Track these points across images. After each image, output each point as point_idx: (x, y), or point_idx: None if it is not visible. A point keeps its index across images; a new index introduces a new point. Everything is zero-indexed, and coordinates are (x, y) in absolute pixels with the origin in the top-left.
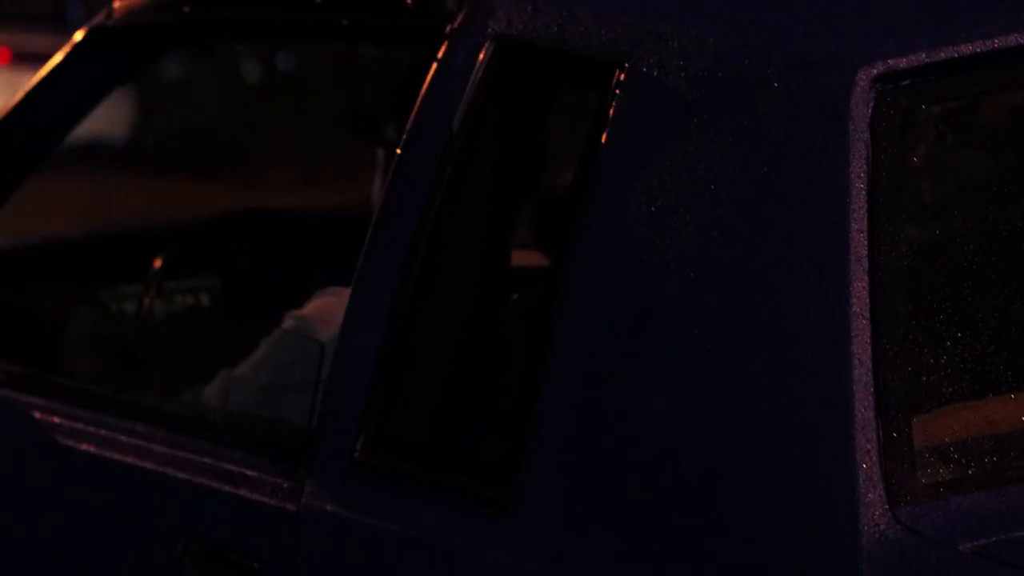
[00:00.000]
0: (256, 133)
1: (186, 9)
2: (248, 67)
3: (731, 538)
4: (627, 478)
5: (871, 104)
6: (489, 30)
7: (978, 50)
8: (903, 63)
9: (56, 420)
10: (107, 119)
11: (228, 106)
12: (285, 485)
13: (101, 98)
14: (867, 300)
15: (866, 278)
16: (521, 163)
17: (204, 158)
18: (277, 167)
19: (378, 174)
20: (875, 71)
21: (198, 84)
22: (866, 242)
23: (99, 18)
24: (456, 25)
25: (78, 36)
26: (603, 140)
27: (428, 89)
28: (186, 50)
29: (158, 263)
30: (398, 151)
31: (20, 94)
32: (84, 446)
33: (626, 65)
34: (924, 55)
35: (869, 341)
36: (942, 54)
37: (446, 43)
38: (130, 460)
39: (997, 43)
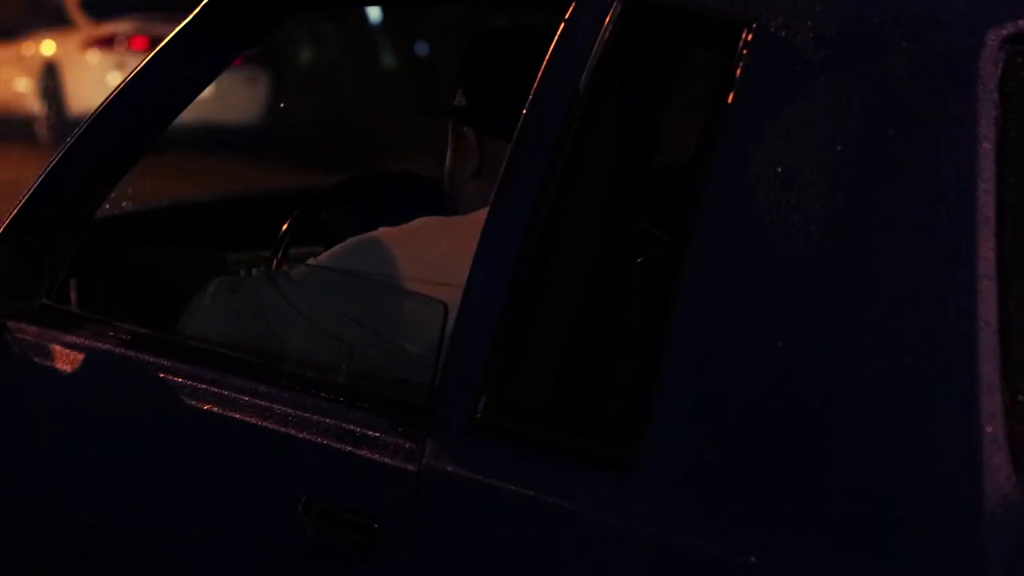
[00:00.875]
0: (392, 120)
1: None
2: (385, 53)
3: (850, 500)
4: (748, 442)
5: (1001, 64)
6: None
7: None
8: None
9: (179, 380)
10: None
11: (364, 93)
12: (407, 446)
13: (230, 60)
14: (994, 262)
15: (993, 239)
16: (647, 125)
17: (339, 145)
18: (414, 155)
19: (451, 142)
20: (1005, 31)
21: (335, 71)
22: (994, 203)
23: None
24: None
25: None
26: (729, 101)
27: (554, 51)
28: (315, 14)
29: (284, 228)
30: (523, 112)
31: (153, 52)
32: (206, 406)
33: (754, 25)
34: None
35: (995, 303)
36: None
37: (573, 4)
38: (252, 420)
39: None
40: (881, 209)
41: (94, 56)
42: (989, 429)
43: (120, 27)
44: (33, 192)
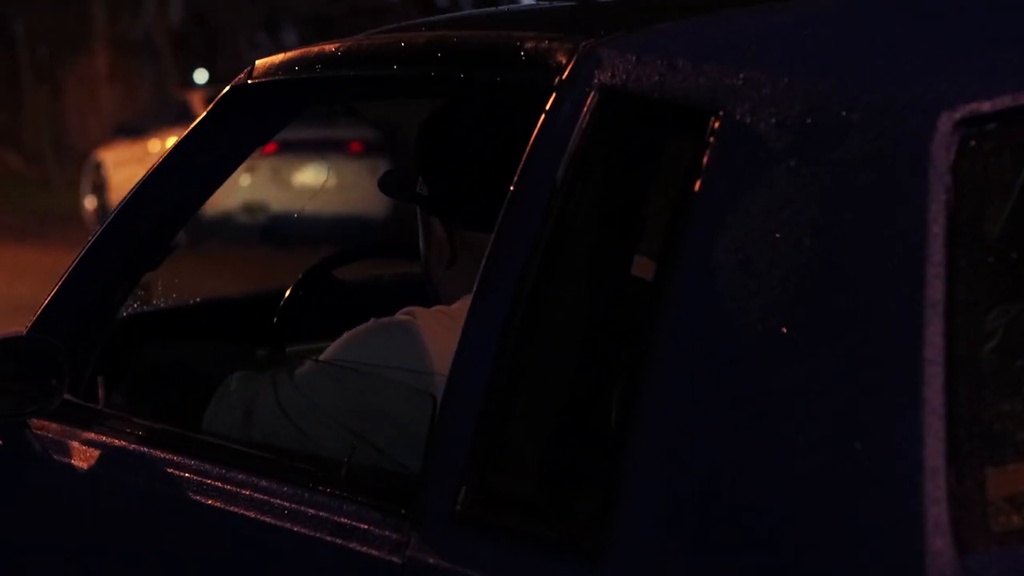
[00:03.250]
0: None
1: (318, 68)
2: None
3: None
4: (708, 530)
5: (954, 147)
6: (595, 80)
7: None
8: (986, 107)
9: (186, 475)
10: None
11: None
12: (393, 537)
13: (246, 154)
14: (941, 346)
15: (941, 324)
16: (625, 211)
17: None
18: None
19: (420, 229)
20: (958, 115)
21: None
22: (942, 286)
23: (240, 77)
24: (564, 76)
25: (222, 93)
26: (696, 188)
27: (536, 139)
28: (328, 107)
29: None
30: (507, 200)
31: (169, 147)
32: (209, 501)
33: (721, 113)
34: (1009, 99)
35: (942, 390)
36: None
37: (554, 94)
38: (251, 514)
39: None
40: (832, 295)
41: None
42: (933, 513)
43: None
44: (56, 292)
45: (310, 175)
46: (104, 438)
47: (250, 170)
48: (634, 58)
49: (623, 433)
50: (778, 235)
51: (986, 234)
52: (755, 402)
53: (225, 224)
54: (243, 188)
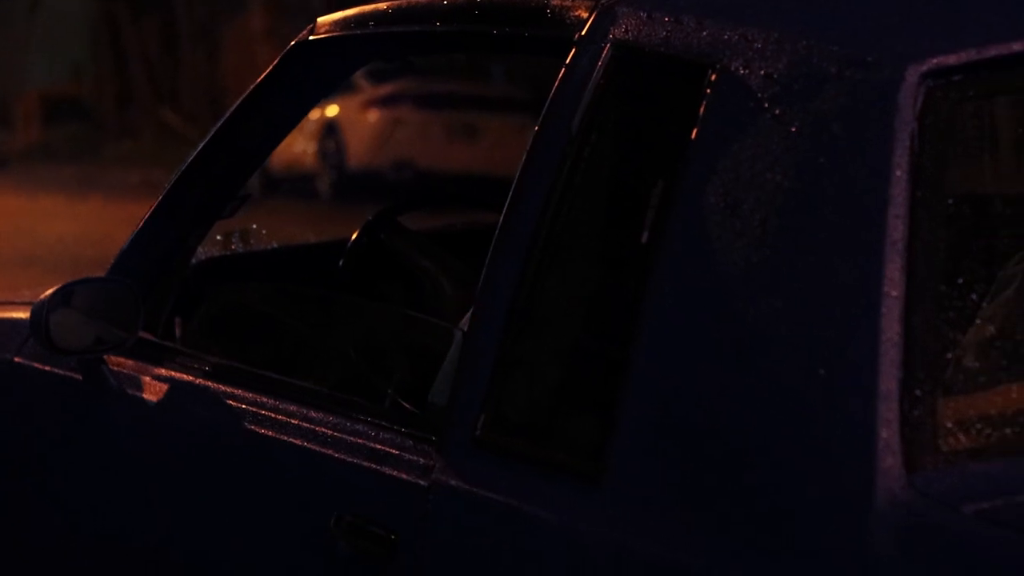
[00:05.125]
0: None
1: (371, 24)
2: None
3: (770, 503)
4: (692, 455)
5: (920, 97)
6: (610, 36)
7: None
8: (951, 60)
9: (243, 407)
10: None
11: None
12: (421, 462)
13: (310, 106)
14: (900, 282)
15: (900, 260)
16: (634, 157)
17: None
18: None
19: None
20: (924, 67)
21: None
22: (903, 227)
23: (303, 34)
24: (583, 33)
25: (287, 49)
26: (692, 135)
27: (556, 90)
28: (387, 61)
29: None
30: (528, 146)
31: (238, 101)
32: (264, 430)
33: (717, 66)
34: (973, 52)
35: (899, 321)
36: (990, 52)
37: (573, 49)
38: (299, 442)
39: None
40: (806, 233)
41: (373, 115)
42: (884, 435)
43: (399, 87)
44: (133, 237)
45: (460, 133)
46: (173, 373)
47: (397, 124)
48: (645, 15)
49: (620, 369)
50: (762, 178)
51: (947, 177)
52: (735, 336)
53: (374, 180)
54: (391, 144)
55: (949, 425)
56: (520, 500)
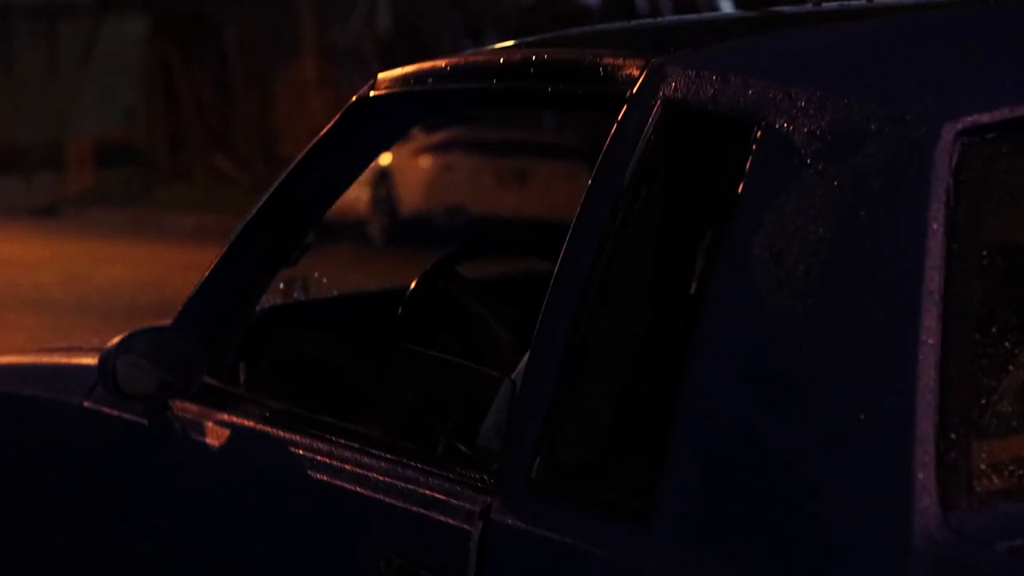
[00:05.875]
0: None
1: (430, 81)
2: None
3: (812, 546)
4: (738, 495)
5: (955, 154)
6: (661, 94)
7: None
8: (986, 118)
9: (300, 452)
10: None
11: None
12: (467, 507)
13: (370, 160)
14: (937, 330)
15: (936, 310)
16: (683, 210)
17: None
18: None
19: None
20: (959, 126)
21: None
22: (939, 278)
23: (364, 90)
24: (634, 91)
25: (349, 103)
26: (739, 190)
27: (609, 144)
28: (444, 119)
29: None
30: (582, 199)
31: (301, 154)
32: (319, 475)
33: (763, 123)
34: (1007, 111)
35: (935, 370)
36: (1023, 111)
37: (625, 106)
38: (351, 487)
39: None
40: (847, 285)
41: (425, 161)
42: (921, 476)
43: (451, 135)
44: (200, 286)
45: (511, 179)
46: (234, 418)
47: (449, 171)
48: (694, 74)
49: (669, 411)
50: (805, 230)
51: (982, 231)
52: (780, 382)
53: (425, 226)
54: (443, 189)
55: (983, 467)
56: (573, 538)
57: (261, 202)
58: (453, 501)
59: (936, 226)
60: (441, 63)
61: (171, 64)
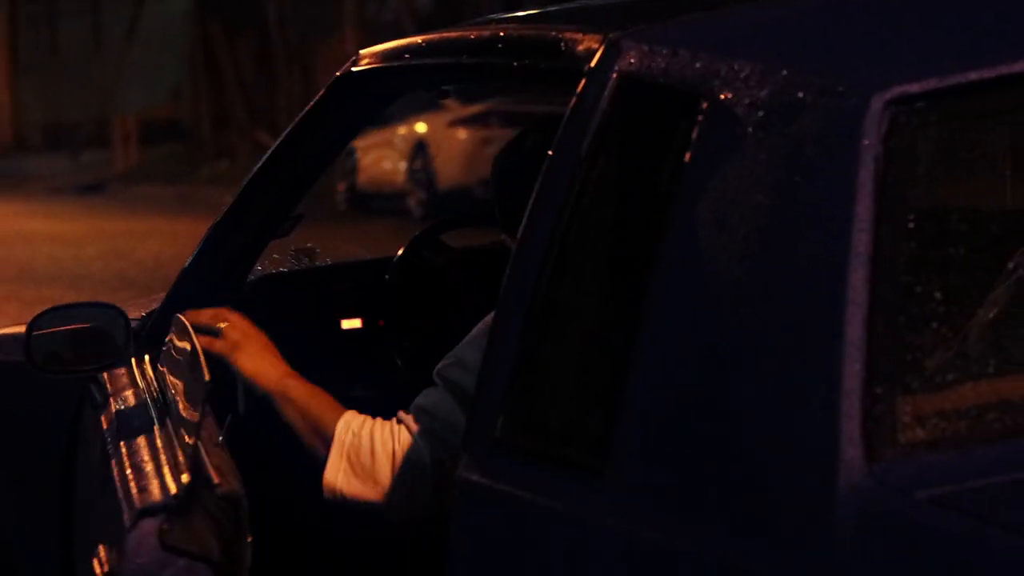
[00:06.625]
0: None
1: (407, 57)
2: None
3: (748, 493)
4: (684, 450)
5: (884, 123)
6: (616, 68)
7: (982, 77)
8: (914, 88)
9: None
10: None
11: None
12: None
13: (355, 133)
14: (864, 290)
15: (864, 271)
16: (637, 179)
17: None
18: None
19: None
20: (888, 96)
21: None
22: (868, 240)
23: (346, 66)
24: (592, 64)
25: (331, 80)
26: (686, 159)
27: (567, 118)
28: (423, 91)
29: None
30: (542, 170)
31: (289, 128)
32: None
33: (709, 95)
34: (935, 81)
35: (862, 327)
36: (950, 81)
37: (584, 80)
38: None
39: (996, 72)
40: (782, 248)
41: (462, 133)
42: (847, 428)
43: (487, 106)
44: (192, 259)
45: None
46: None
47: (485, 143)
48: (647, 48)
49: (622, 371)
50: (745, 198)
51: (911, 196)
52: (724, 341)
53: (464, 198)
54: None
55: (907, 420)
56: (533, 494)
57: (250, 176)
58: None
59: (865, 191)
60: (417, 39)
61: (214, 42)
